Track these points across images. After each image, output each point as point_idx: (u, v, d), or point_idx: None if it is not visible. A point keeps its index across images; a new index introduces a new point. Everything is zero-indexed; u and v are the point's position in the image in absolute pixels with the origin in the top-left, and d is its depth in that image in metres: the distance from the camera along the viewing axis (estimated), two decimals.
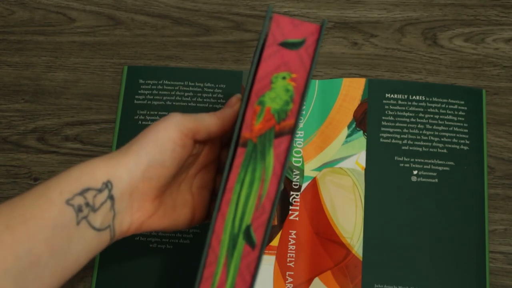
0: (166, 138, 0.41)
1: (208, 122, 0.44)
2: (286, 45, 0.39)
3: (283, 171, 0.38)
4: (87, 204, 0.38)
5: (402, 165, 0.57)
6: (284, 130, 0.39)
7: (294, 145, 0.57)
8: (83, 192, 0.38)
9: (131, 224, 0.42)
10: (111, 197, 0.40)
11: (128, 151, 0.41)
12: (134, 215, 0.42)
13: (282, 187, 0.37)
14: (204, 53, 0.63)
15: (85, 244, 0.39)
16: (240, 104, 0.46)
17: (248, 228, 0.38)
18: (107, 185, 0.39)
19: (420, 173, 0.57)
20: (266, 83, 0.39)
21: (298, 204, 0.56)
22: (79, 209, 0.38)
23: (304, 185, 0.57)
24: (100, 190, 0.39)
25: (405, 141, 0.58)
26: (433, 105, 0.59)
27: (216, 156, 0.48)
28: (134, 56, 0.63)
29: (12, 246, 0.35)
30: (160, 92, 0.61)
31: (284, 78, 0.39)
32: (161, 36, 0.64)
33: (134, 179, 0.40)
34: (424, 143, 0.58)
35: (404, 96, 0.60)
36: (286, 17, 0.39)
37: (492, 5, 0.64)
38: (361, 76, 0.62)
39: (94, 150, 0.60)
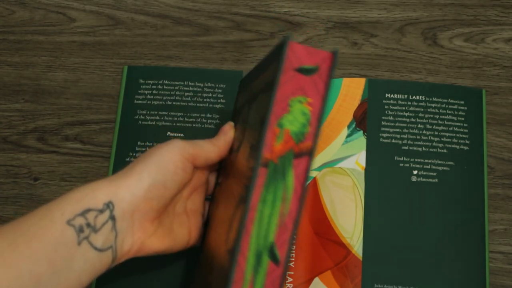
0: (169, 161, 0.43)
1: (207, 149, 0.46)
2: (301, 71, 0.41)
3: (303, 190, 0.39)
4: (88, 225, 0.39)
5: (402, 165, 0.57)
6: (302, 151, 0.40)
7: None
8: (84, 213, 0.39)
9: (132, 244, 0.43)
10: (112, 218, 0.41)
11: (131, 172, 0.42)
12: (135, 235, 0.43)
13: (303, 206, 0.39)
14: (204, 53, 0.63)
15: (87, 264, 0.39)
16: (233, 131, 0.48)
17: (272, 246, 0.39)
18: (108, 205, 0.40)
19: (420, 173, 0.57)
20: (284, 106, 0.40)
21: None
22: (80, 230, 0.39)
23: None
24: (101, 211, 0.40)
25: (405, 141, 0.58)
26: (433, 105, 0.59)
27: (205, 179, 0.50)
28: (134, 56, 0.63)
29: (15, 264, 0.36)
30: (160, 92, 0.61)
31: (300, 102, 0.41)
32: (161, 36, 0.64)
33: (136, 199, 0.42)
34: (424, 143, 0.58)
35: (404, 96, 0.60)
36: (300, 44, 0.41)
37: (492, 5, 0.64)
38: (361, 76, 0.62)
39: (94, 150, 0.60)
